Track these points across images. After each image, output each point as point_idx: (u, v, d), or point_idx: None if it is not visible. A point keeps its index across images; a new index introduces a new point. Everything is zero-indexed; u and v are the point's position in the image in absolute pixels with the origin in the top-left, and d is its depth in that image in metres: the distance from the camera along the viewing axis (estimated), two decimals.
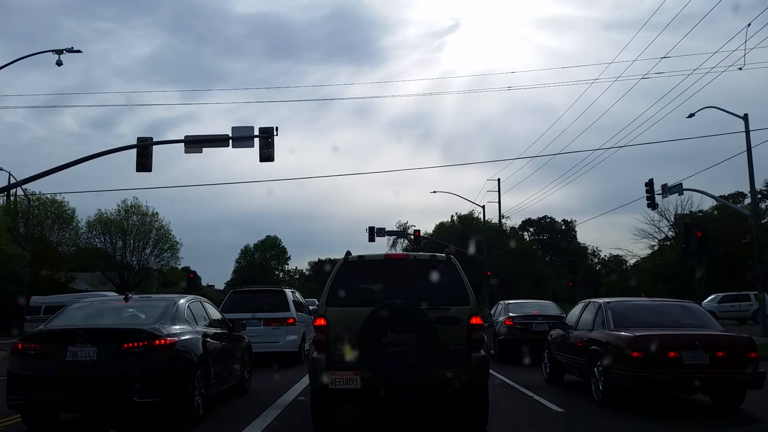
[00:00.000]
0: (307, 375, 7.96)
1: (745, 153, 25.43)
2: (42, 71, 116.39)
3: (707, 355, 8.77)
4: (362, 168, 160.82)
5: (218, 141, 21.60)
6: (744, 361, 8.89)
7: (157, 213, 56.71)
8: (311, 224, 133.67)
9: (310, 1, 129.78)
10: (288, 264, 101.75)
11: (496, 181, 56.32)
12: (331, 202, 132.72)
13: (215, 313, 10.71)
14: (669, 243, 53.64)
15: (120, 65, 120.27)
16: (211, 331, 9.67)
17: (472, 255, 51.74)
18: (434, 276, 7.68)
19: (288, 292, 17.31)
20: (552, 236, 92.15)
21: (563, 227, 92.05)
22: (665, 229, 54.52)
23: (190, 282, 42.41)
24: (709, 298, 35.88)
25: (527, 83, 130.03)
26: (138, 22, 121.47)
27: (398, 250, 74.27)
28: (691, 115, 27.47)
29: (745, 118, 25.43)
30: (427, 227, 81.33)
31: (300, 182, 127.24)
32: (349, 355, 7.22)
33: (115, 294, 9.92)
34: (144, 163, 20.93)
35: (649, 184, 30.61)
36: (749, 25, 22.87)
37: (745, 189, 43.78)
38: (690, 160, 73.78)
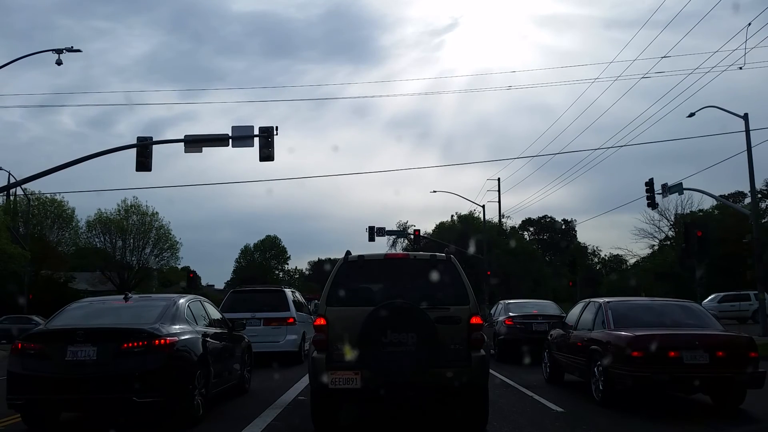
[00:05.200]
0: (307, 375, 7.96)
1: (746, 152, 25.46)
2: (39, 70, 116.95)
3: (707, 354, 8.76)
4: (362, 167, 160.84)
5: (218, 140, 21.61)
6: (744, 360, 8.88)
7: (156, 212, 56.85)
8: (311, 224, 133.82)
9: None
10: (288, 264, 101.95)
11: (496, 181, 56.43)
12: (331, 201, 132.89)
13: (215, 313, 10.71)
14: (669, 243, 53.66)
15: (117, 64, 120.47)
16: (211, 330, 9.67)
17: (472, 255, 51.71)
18: (434, 275, 7.68)
19: (288, 291, 17.32)
20: (552, 236, 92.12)
21: (563, 227, 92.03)
22: (665, 229, 54.57)
23: (189, 282, 42.50)
24: (710, 297, 35.85)
25: (527, 82, 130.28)
26: (135, 21, 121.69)
27: (398, 249, 74.25)
28: (692, 115, 27.50)
29: (745, 117, 25.44)
30: (427, 227, 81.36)
31: (300, 182, 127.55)
32: (349, 354, 7.22)
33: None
34: (144, 163, 20.94)
35: (649, 184, 30.58)
36: (749, 24, 22.90)
37: (746, 188, 43.75)
38: (690, 160, 73.88)
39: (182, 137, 21.99)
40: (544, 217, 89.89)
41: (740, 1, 42.47)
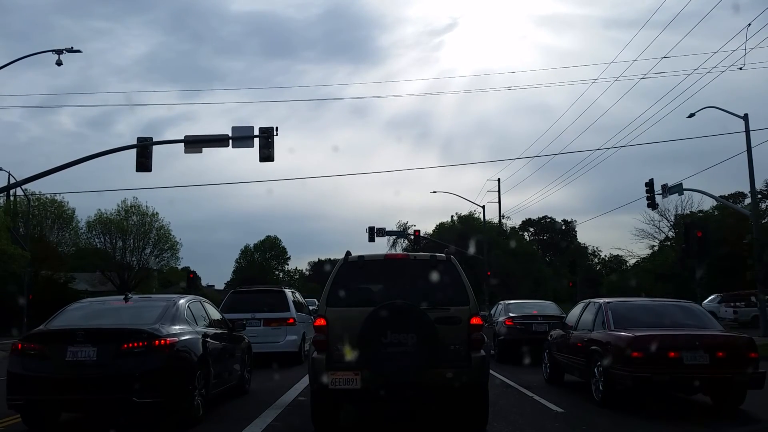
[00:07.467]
0: (307, 375, 7.96)
1: (746, 153, 25.46)
2: (39, 70, 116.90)
3: (707, 355, 8.77)
4: (362, 167, 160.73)
5: (218, 141, 21.61)
6: (744, 361, 8.89)
7: (156, 213, 56.81)
8: (311, 224, 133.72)
9: None
10: (288, 264, 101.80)
11: (496, 181, 56.45)
12: (331, 202, 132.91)
13: (215, 314, 10.71)
14: (669, 243, 53.64)
15: (117, 64, 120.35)
16: (211, 331, 9.67)
17: (472, 255, 51.72)
18: (434, 276, 7.68)
19: (288, 292, 17.31)
20: (552, 236, 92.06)
21: (563, 227, 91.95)
22: (665, 229, 54.57)
23: (189, 282, 42.46)
24: (710, 298, 35.88)
25: (527, 82, 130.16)
26: (134, 21, 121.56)
27: (398, 250, 74.20)
28: (692, 115, 27.49)
29: (745, 118, 25.45)
30: (427, 227, 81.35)
31: (300, 182, 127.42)
32: (349, 355, 7.22)
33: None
34: (144, 163, 20.94)
35: (650, 184, 30.58)
36: (749, 24, 22.88)
37: (746, 189, 43.72)
38: (690, 160, 73.95)
39: (182, 138, 22.00)
40: (544, 217, 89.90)
41: (740, 1, 42.41)
